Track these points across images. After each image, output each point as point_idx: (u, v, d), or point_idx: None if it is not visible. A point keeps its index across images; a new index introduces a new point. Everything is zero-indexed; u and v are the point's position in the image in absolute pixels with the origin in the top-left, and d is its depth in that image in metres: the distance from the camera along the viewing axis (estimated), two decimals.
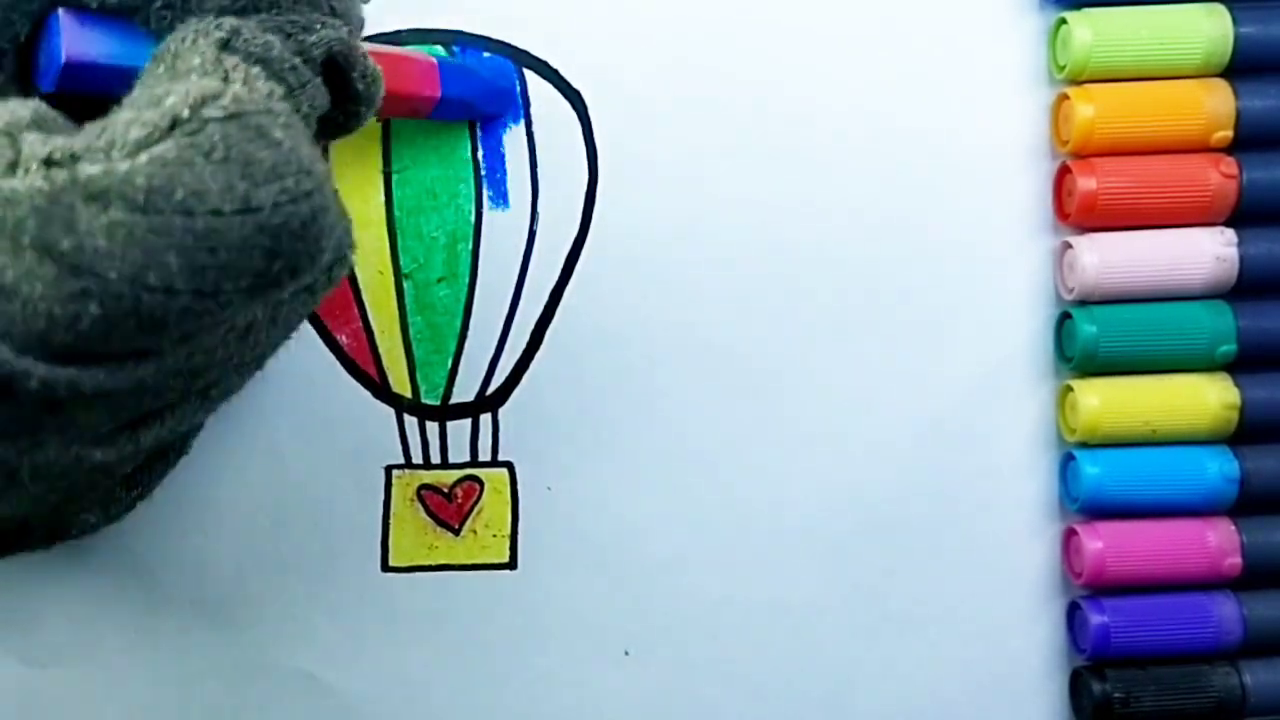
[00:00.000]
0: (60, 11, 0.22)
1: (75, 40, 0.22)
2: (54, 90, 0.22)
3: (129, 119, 0.20)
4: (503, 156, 0.32)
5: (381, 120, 0.31)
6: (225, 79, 0.21)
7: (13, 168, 0.19)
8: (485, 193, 0.32)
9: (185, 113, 0.20)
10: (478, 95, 0.31)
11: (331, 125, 0.25)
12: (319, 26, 0.23)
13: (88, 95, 0.22)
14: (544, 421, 0.32)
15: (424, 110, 0.30)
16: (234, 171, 0.20)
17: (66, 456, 0.21)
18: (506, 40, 0.32)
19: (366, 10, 0.32)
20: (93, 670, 0.32)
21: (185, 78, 0.21)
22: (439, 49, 0.31)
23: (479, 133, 0.32)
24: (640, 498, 0.32)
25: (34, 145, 0.19)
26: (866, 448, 0.32)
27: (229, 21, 0.22)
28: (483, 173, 0.32)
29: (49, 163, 0.19)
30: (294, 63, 0.23)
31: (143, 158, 0.19)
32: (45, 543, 0.26)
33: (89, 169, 0.19)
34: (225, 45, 0.22)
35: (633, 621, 0.32)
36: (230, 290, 0.20)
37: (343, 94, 0.24)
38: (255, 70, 0.21)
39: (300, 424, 0.32)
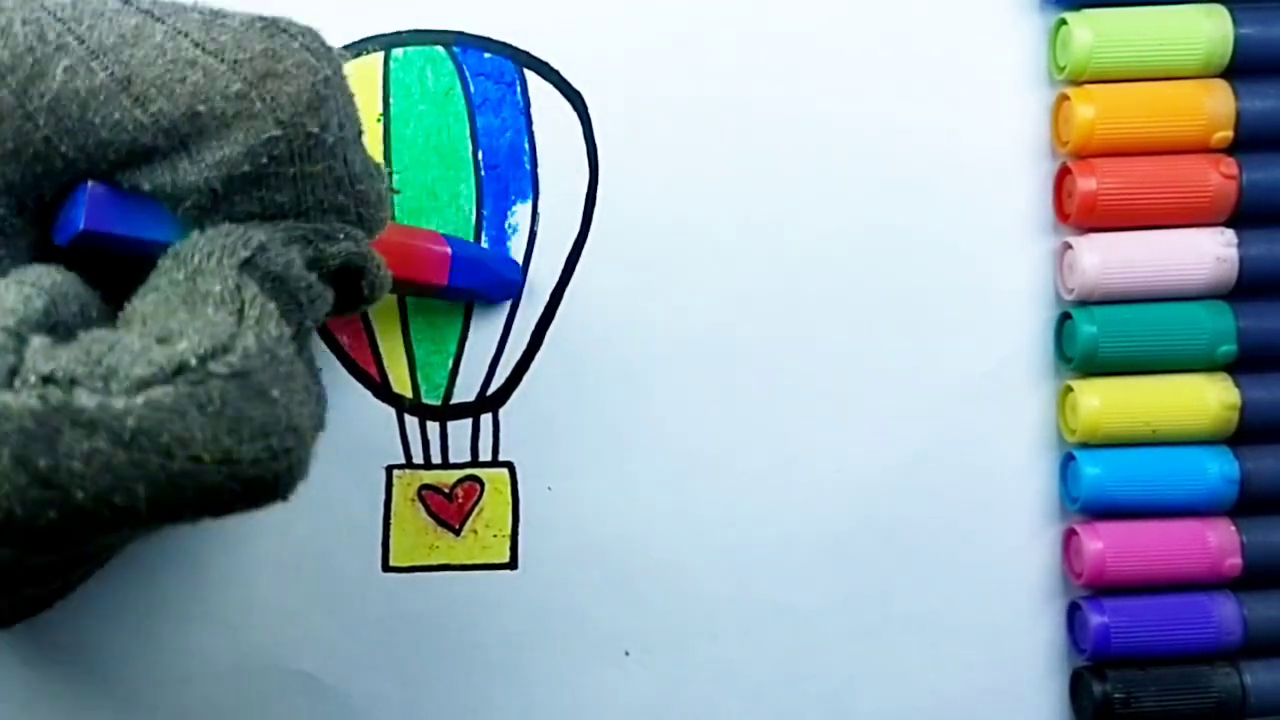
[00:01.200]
0: (89, 184, 0.22)
1: (97, 212, 0.22)
2: (67, 248, 0.23)
3: (136, 351, 0.20)
4: (504, 158, 0.32)
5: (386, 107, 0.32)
6: (240, 315, 0.21)
7: (12, 376, 0.19)
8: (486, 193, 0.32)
9: (193, 361, 0.20)
10: (484, 285, 0.31)
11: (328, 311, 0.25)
12: (341, 237, 0.24)
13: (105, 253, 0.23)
14: (545, 422, 0.32)
15: (427, 293, 0.31)
16: (223, 426, 0.20)
17: None
18: (507, 41, 0.32)
19: (368, 10, 0.32)
20: (93, 670, 0.32)
21: (202, 306, 0.21)
22: (458, 239, 0.32)
23: (479, 134, 0.32)
24: (641, 498, 0.32)
25: (36, 358, 0.19)
26: (867, 448, 0.32)
27: (257, 237, 0.22)
28: (483, 173, 0.32)
29: (47, 380, 0.19)
30: (309, 280, 0.23)
31: (139, 399, 0.19)
32: None
33: (84, 399, 0.19)
34: (247, 263, 0.22)
35: (633, 622, 0.32)
36: (188, 517, 0.20)
37: (347, 293, 0.25)
38: (270, 308, 0.22)
39: None
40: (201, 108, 0.22)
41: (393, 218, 0.30)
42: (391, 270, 0.26)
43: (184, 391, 0.20)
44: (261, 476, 0.21)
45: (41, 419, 0.19)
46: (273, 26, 0.23)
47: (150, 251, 0.23)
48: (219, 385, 0.20)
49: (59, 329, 0.21)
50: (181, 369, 0.20)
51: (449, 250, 0.30)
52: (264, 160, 0.22)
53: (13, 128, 0.21)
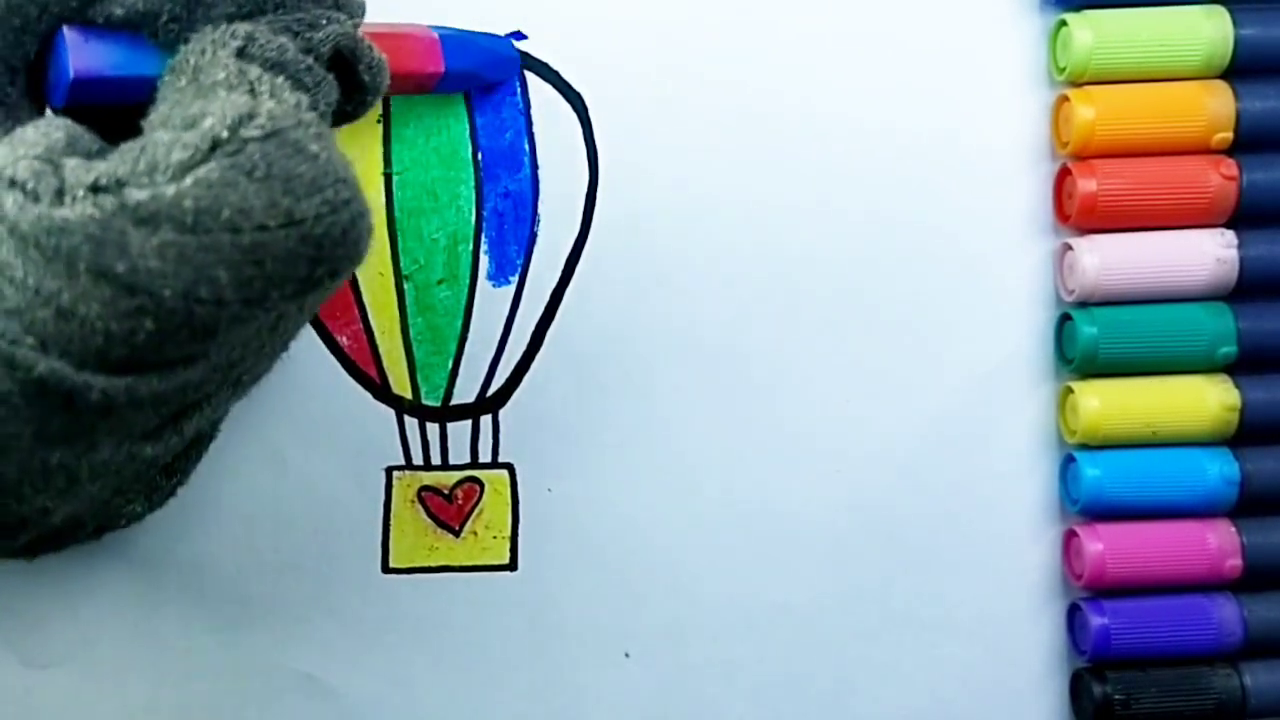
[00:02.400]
0: (65, 29, 0.22)
1: (81, 55, 0.22)
2: (65, 105, 0.23)
3: (169, 141, 0.20)
4: (504, 158, 0.32)
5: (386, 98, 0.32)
6: (253, 92, 0.21)
7: (60, 195, 0.19)
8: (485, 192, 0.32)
9: (224, 134, 0.20)
10: (481, 65, 0.31)
11: (339, 115, 0.25)
12: (324, 22, 0.24)
13: (102, 107, 0.23)
14: (544, 423, 0.32)
15: (428, 86, 0.30)
16: (277, 188, 0.20)
17: (120, 455, 0.22)
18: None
19: (369, 10, 0.32)
20: (93, 670, 0.32)
21: (213, 93, 0.21)
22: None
23: (479, 134, 0.32)
24: (641, 499, 0.32)
25: (78, 172, 0.20)
26: (867, 449, 0.32)
27: (242, 28, 0.23)
28: (482, 174, 0.32)
29: (96, 189, 0.19)
30: (308, 63, 0.23)
31: (188, 180, 0.20)
32: (95, 535, 0.27)
33: (137, 194, 0.19)
34: (241, 53, 0.22)
35: (633, 623, 0.32)
36: (276, 297, 0.21)
37: (349, 84, 0.25)
38: (279, 81, 0.22)
39: (301, 425, 0.32)
40: None
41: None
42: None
43: (226, 163, 0.20)
44: (329, 233, 0.21)
45: (104, 224, 0.19)
46: None
47: (144, 94, 0.23)
48: (257, 148, 0.20)
49: (83, 154, 0.21)
50: (216, 144, 0.20)
51: (435, 35, 0.29)
52: None
53: None
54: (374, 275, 0.32)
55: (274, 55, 0.23)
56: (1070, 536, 0.32)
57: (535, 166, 0.32)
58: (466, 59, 0.30)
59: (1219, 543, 0.32)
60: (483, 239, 0.32)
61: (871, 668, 0.33)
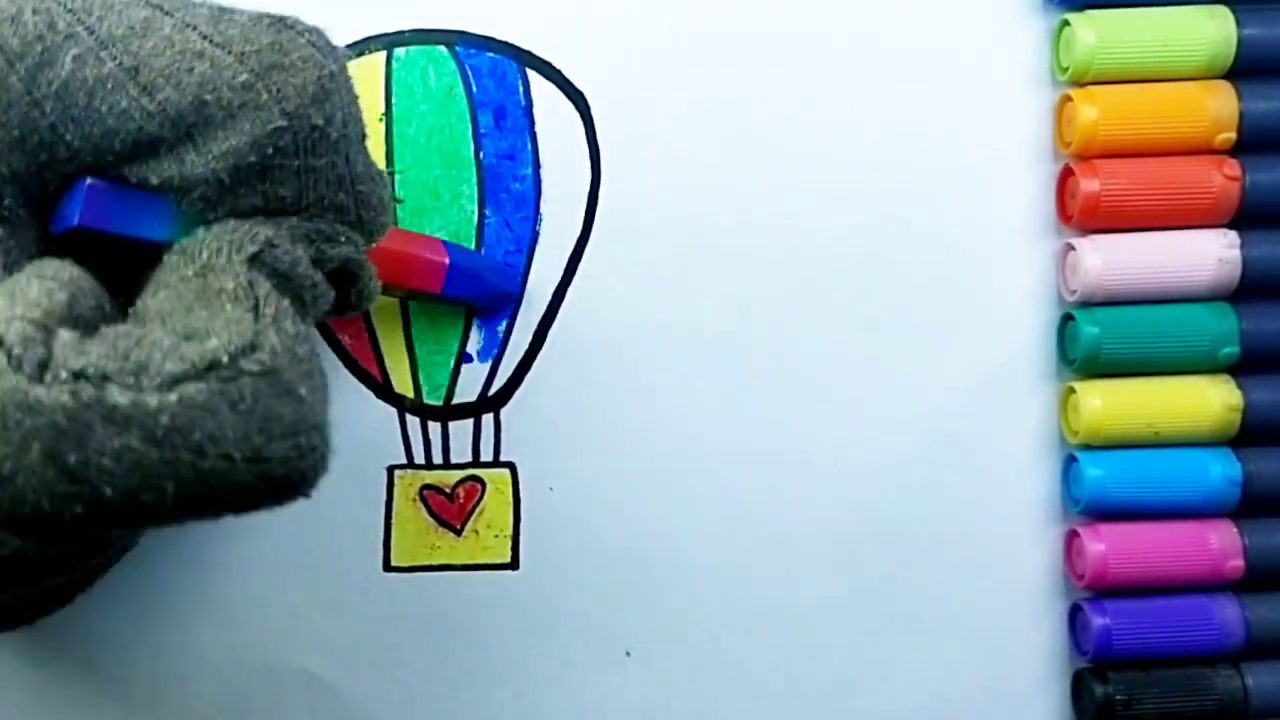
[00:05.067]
0: (88, 181, 0.22)
1: (92, 210, 0.22)
2: (60, 236, 0.23)
3: (166, 347, 0.20)
4: (506, 158, 0.32)
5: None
6: (257, 313, 0.21)
7: (42, 370, 0.19)
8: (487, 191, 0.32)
9: (224, 358, 0.20)
10: (478, 297, 0.31)
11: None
12: (342, 240, 0.24)
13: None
14: (546, 422, 0.32)
15: (421, 298, 0.31)
16: (254, 424, 0.20)
17: (21, 592, 0.22)
18: (509, 41, 0.32)
19: (370, 9, 0.32)
20: (94, 669, 0.32)
21: (219, 302, 0.21)
22: (464, 242, 0.32)
23: (482, 133, 0.32)
24: (642, 498, 0.32)
25: (67, 352, 0.19)
26: (868, 449, 0.32)
27: (262, 232, 0.23)
28: (484, 173, 0.32)
29: (79, 375, 0.19)
30: (315, 279, 0.23)
31: (172, 396, 0.19)
32: None
33: (117, 396, 0.19)
34: (255, 258, 0.22)
35: (634, 622, 0.32)
36: (214, 513, 0.21)
37: (339, 293, 0.25)
38: (284, 305, 0.22)
39: None
40: (208, 97, 0.22)
41: (395, 222, 0.30)
42: (387, 275, 0.26)
43: (216, 388, 0.20)
44: (289, 475, 0.21)
45: (73, 415, 0.19)
46: (279, 23, 0.23)
47: (148, 248, 0.23)
48: (250, 382, 0.20)
49: (80, 322, 0.21)
50: (213, 366, 0.20)
51: (446, 260, 0.30)
52: (269, 151, 0.22)
53: (19, 114, 0.21)
54: None
55: (285, 266, 0.23)
56: (1072, 537, 0.32)
57: (537, 166, 0.32)
58: (465, 289, 0.30)
59: (1221, 543, 0.32)
60: (484, 238, 0.32)
61: (871, 668, 0.33)
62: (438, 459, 0.32)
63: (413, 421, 0.32)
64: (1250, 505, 0.32)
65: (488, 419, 0.32)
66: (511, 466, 0.32)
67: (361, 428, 0.32)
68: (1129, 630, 0.32)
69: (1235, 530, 0.32)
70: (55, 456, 0.19)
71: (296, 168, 0.23)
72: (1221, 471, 0.31)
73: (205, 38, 0.22)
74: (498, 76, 0.32)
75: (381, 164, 0.32)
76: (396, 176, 0.32)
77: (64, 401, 0.19)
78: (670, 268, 0.32)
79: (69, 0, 0.22)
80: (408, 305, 0.32)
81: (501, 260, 0.32)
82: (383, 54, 0.32)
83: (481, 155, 0.32)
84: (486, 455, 0.32)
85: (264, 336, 0.21)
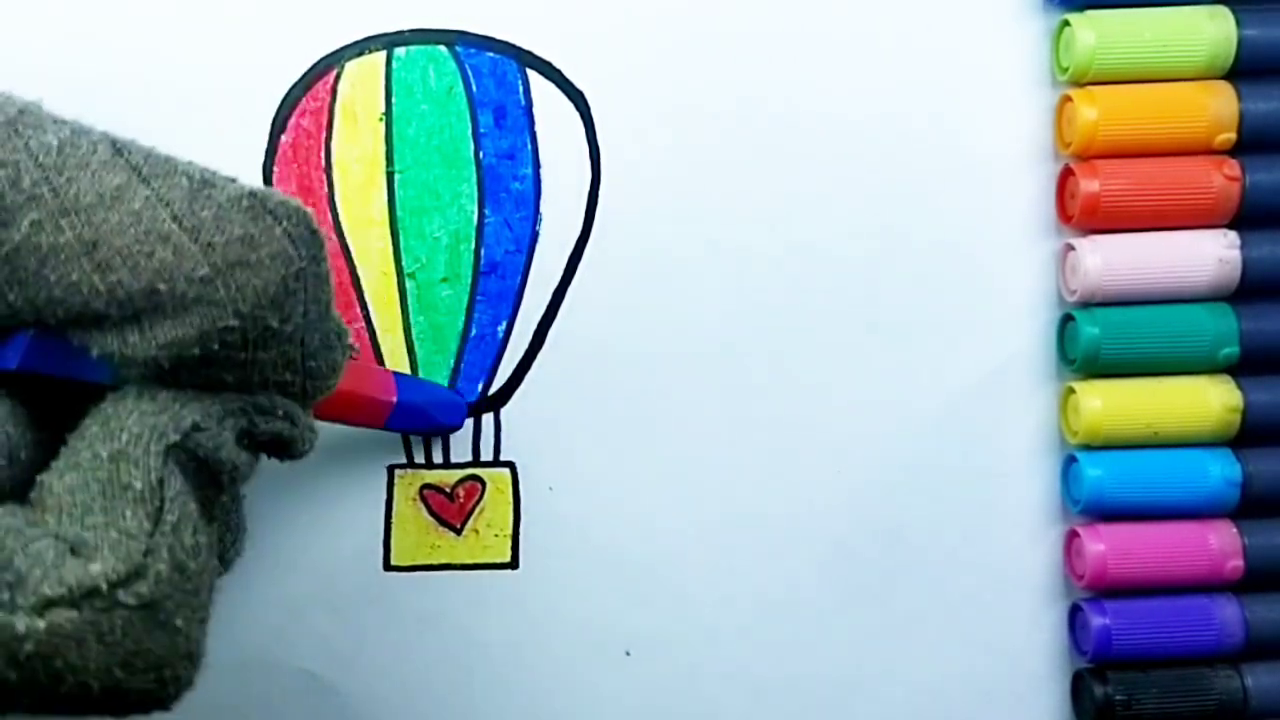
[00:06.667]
0: (29, 333, 0.21)
1: (31, 358, 0.21)
2: None
3: (48, 563, 0.19)
4: (506, 157, 0.32)
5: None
6: (157, 520, 0.20)
7: None
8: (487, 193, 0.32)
9: (103, 587, 0.19)
10: (419, 429, 0.31)
11: None
12: (279, 414, 0.23)
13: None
14: (546, 422, 0.32)
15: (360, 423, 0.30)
16: (118, 658, 0.20)
17: None
18: (509, 40, 0.32)
19: (371, 9, 0.32)
20: None
21: (119, 503, 0.20)
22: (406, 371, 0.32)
23: (482, 132, 0.32)
24: (642, 498, 0.32)
25: None
26: (868, 449, 0.32)
27: (189, 416, 0.22)
28: (484, 173, 0.32)
29: None
30: (236, 461, 0.23)
31: (41, 623, 0.19)
32: None
33: None
34: (174, 447, 0.21)
35: (634, 621, 0.32)
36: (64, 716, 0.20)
37: (268, 453, 0.25)
38: (190, 510, 0.21)
39: None
40: (162, 286, 0.21)
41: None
42: (328, 409, 0.26)
43: (88, 619, 0.19)
44: (143, 703, 0.20)
45: None
46: (259, 207, 0.22)
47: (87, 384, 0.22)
48: (124, 615, 0.19)
49: None
50: (91, 594, 0.19)
51: (394, 399, 0.29)
52: (215, 346, 0.22)
53: None
54: (376, 274, 0.32)
55: (207, 451, 0.22)
56: (1072, 537, 0.32)
57: (537, 165, 0.32)
58: (406, 423, 0.30)
59: (1220, 543, 0.32)
60: (484, 237, 0.32)
61: (871, 668, 0.33)
62: (438, 458, 0.32)
63: None
64: (1250, 506, 0.32)
65: (488, 419, 0.32)
66: (511, 466, 0.32)
67: (362, 427, 0.32)
68: (1128, 630, 0.32)
69: (1235, 530, 0.32)
70: None
71: (242, 359, 0.22)
72: (1221, 472, 0.31)
73: (176, 218, 0.21)
74: (498, 76, 0.32)
75: (382, 163, 0.32)
76: (396, 176, 0.32)
77: None
78: (670, 268, 0.32)
79: (43, 153, 0.21)
80: (407, 304, 0.32)
81: (501, 258, 0.32)
82: (383, 54, 0.32)
83: (481, 155, 0.32)
84: (486, 455, 0.32)
85: (153, 559, 0.20)
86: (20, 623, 0.19)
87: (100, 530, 0.20)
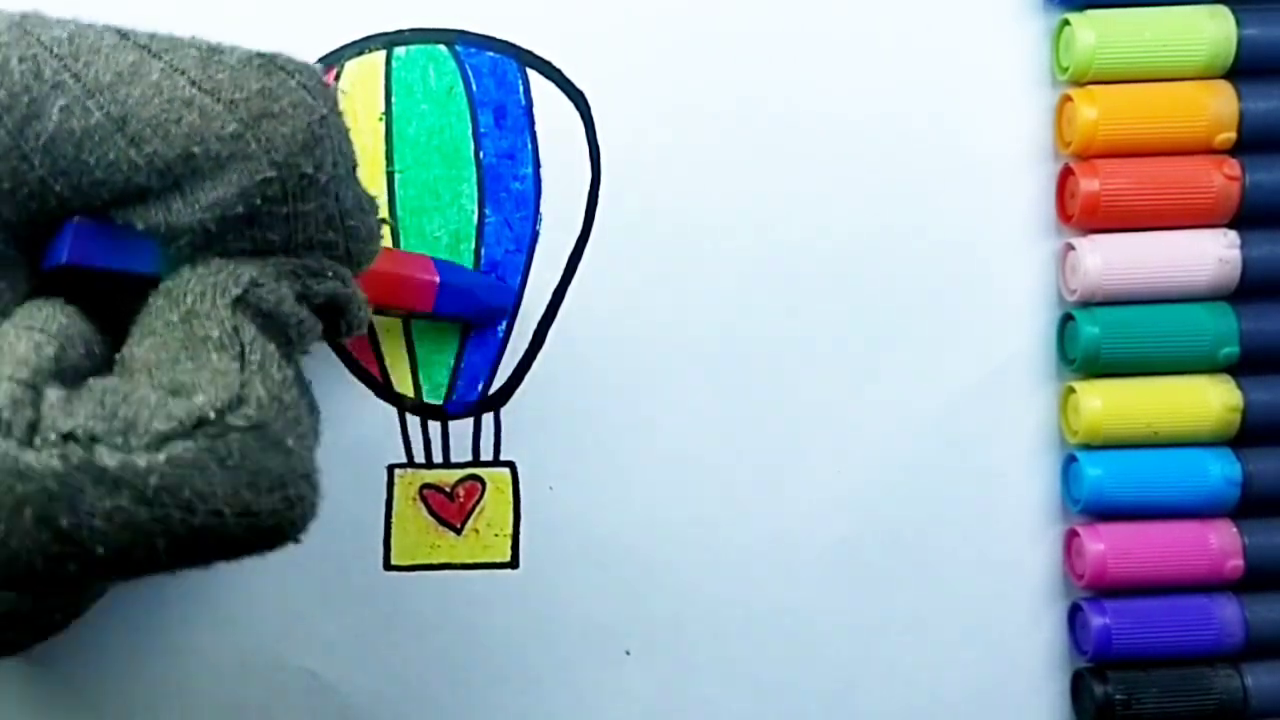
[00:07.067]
0: (76, 219, 0.22)
1: (80, 247, 0.22)
2: (49, 271, 0.22)
3: (153, 404, 0.20)
4: (506, 157, 0.32)
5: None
6: (243, 361, 0.21)
7: (31, 432, 0.19)
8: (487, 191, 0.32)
9: (211, 415, 0.20)
10: (470, 313, 0.31)
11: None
12: (329, 275, 0.24)
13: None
14: (546, 421, 0.32)
15: (414, 315, 0.31)
16: (243, 479, 0.20)
17: (16, 632, 0.23)
18: (510, 40, 0.32)
19: (371, 8, 0.32)
20: (95, 668, 0.32)
21: (204, 350, 0.21)
22: (457, 259, 0.32)
23: (482, 132, 0.32)
24: (642, 498, 0.32)
25: (55, 413, 0.19)
26: (868, 448, 0.32)
27: (247, 273, 0.22)
28: (484, 173, 0.32)
29: (68, 437, 0.19)
30: (301, 315, 0.23)
31: (161, 456, 0.19)
32: None
33: (107, 458, 0.19)
34: (240, 300, 0.22)
35: (634, 621, 0.32)
36: (203, 563, 0.21)
37: (325, 324, 0.25)
38: (270, 350, 0.22)
39: None
40: (196, 149, 0.21)
41: (398, 237, 0.30)
42: (377, 296, 0.26)
43: (204, 446, 0.20)
44: (278, 526, 0.21)
45: (64, 479, 0.19)
46: (270, 64, 0.22)
47: (137, 279, 0.22)
48: (238, 438, 0.20)
49: (68, 374, 0.20)
50: (201, 423, 0.20)
51: (437, 279, 0.30)
52: (258, 201, 0.22)
53: (8, 167, 0.21)
54: None
55: (270, 306, 0.22)
56: (1071, 536, 0.32)
57: (537, 165, 0.32)
58: (457, 305, 0.31)
59: (1221, 543, 0.32)
60: (484, 237, 0.32)
61: (871, 668, 0.33)
62: (438, 458, 0.32)
63: (413, 420, 0.32)
64: (1250, 505, 0.32)
65: (488, 418, 0.32)
66: (511, 466, 0.32)
67: (361, 427, 0.32)
68: (1128, 630, 0.32)
69: (1235, 530, 0.32)
70: (47, 520, 0.19)
71: (285, 214, 0.23)
72: (1221, 471, 0.31)
73: (194, 84, 0.22)
74: (498, 76, 0.32)
75: (383, 163, 0.32)
76: (396, 176, 0.32)
77: (54, 466, 0.19)
78: (670, 268, 0.32)
79: (55, 45, 0.21)
80: None
81: (502, 258, 0.32)
82: (383, 53, 0.32)
83: (481, 155, 0.32)
84: (486, 454, 0.32)
85: (250, 389, 0.20)
86: (141, 459, 0.19)
87: (193, 374, 0.20)
